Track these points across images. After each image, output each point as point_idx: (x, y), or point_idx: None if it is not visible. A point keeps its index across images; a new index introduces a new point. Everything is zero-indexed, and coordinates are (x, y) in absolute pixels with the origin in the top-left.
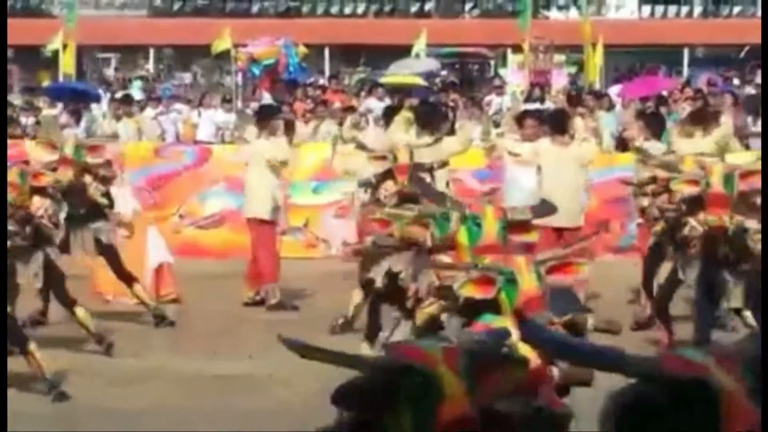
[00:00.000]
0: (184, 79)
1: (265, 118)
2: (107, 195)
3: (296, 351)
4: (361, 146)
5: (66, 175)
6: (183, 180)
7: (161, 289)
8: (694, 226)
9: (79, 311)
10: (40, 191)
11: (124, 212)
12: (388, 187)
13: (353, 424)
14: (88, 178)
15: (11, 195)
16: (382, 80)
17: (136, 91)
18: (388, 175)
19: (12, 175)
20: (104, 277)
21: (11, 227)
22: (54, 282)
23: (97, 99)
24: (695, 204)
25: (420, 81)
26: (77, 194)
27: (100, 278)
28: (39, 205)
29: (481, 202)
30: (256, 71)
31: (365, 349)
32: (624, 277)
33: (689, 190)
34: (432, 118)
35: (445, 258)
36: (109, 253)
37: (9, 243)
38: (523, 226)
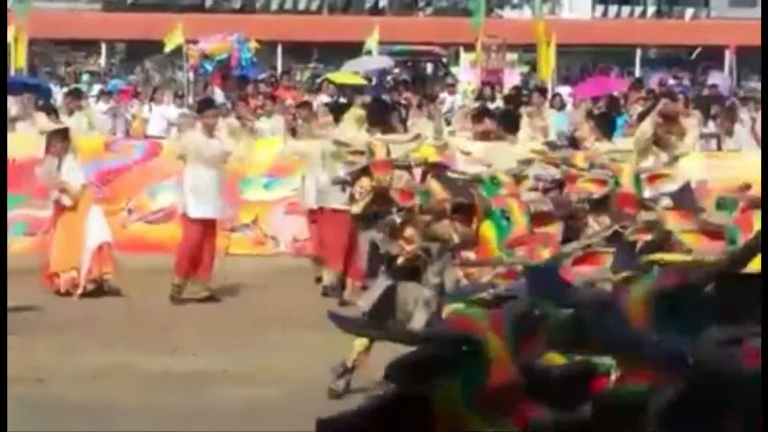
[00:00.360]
0: (136, 74)
1: (198, 112)
2: None
3: (345, 328)
4: (338, 142)
5: None
6: (132, 174)
7: (102, 267)
8: (592, 226)
9: None
10: None
11: (73, 185)
12: (363, 185)
13: (400, 398)
14: None
15: None
16: (328, 77)
17: (86, 85)
18: (363, 172)
19: None
20: (54, 257)
21: None
22: None
23: (48, 93)
24: (600, 204)
25: (363, 81)
26: None
27: (52, 259)
28: None
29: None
30: (209, 67)
31: (359, 345)
32: None
33: (597, 191)
34: (383, 116)
35: (471, 254)
36: None
37: None
38: (545, 218)
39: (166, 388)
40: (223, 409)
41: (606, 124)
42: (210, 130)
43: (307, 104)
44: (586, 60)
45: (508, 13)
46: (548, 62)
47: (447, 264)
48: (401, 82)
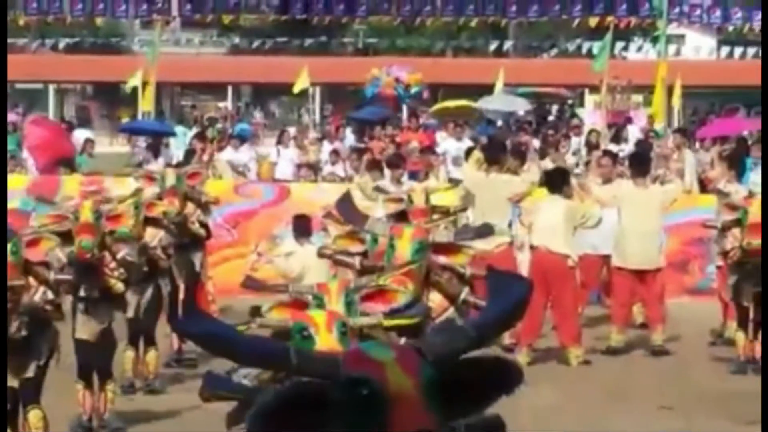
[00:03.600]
0: (263, 116)
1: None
2: (205, 225)
3: None
4: (379, 188)
5: (174, 205)
6: (261, 218)
7: None
8: None
9: (152, 355)
10: (153, 222)
11: None
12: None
13: None
14: (190, 207)
15: (127, 227)
16: (432, 110)
17: (213, 130)
18: (400, 218)
19: (126, 207)
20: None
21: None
22: (151, 316)
23: (172, 134)
24: None
25: (471, 104)
26: (179, 224)
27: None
28: (153, 234)
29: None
30: (405, 96)
31: None
32: (703, 319)
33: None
34: (499, 155)
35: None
36: (193, 279)
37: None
38: (448, 249)
39: None
40: None
41: (738, 165)
42: None
43: (429, 149)
44: (712, 101)
45: (632, 54)
46: (662, 104)
47: None
48: (525, 123)
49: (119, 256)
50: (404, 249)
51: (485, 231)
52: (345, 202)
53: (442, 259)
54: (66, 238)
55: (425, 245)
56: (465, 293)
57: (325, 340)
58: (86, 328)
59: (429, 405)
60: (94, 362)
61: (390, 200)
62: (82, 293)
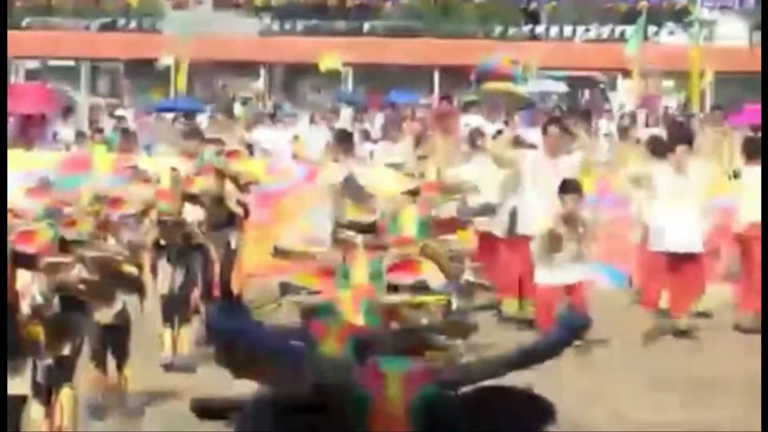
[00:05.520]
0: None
1: None
2: (244, 205)
3: None
4: (393, 163)
5: (209, 182)
6: (292, 198)
7: None
8: None
9: (185, 332)
10: (192, 198)
11: None
12: None
13: None
14: (229, 186)
15: (165, 203)
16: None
17: (241, 108)
18: (413, 192)
19: (166, 182)
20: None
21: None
22: (185, 293)
23: (200, 111)
24: None
25: (500, 87)
26: (216, 202)
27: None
28: (190, 211)
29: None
30: (520, 77)
31: None
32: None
33: None
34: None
35: None
36: (229, 257)
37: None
38: (452, 225)
39: None
40: None
41: (755, 153)
42: None
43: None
44: (743, 87)
45: (664, 39)
46: (698, 89)
47: None
48: (559, 108)
49: (125, 240)
50: (408, 225)
51: (487, 210)
52: (349, 181)
53: (444, 237)
54: None
55: (428, 221)
56: (467, 274)
57: (352, 320)
58: (99, 313)
59: (413, 425)
60: (107, 345)
61: (405, 174)
62: None
